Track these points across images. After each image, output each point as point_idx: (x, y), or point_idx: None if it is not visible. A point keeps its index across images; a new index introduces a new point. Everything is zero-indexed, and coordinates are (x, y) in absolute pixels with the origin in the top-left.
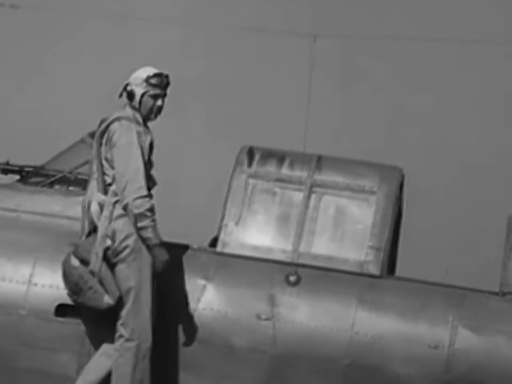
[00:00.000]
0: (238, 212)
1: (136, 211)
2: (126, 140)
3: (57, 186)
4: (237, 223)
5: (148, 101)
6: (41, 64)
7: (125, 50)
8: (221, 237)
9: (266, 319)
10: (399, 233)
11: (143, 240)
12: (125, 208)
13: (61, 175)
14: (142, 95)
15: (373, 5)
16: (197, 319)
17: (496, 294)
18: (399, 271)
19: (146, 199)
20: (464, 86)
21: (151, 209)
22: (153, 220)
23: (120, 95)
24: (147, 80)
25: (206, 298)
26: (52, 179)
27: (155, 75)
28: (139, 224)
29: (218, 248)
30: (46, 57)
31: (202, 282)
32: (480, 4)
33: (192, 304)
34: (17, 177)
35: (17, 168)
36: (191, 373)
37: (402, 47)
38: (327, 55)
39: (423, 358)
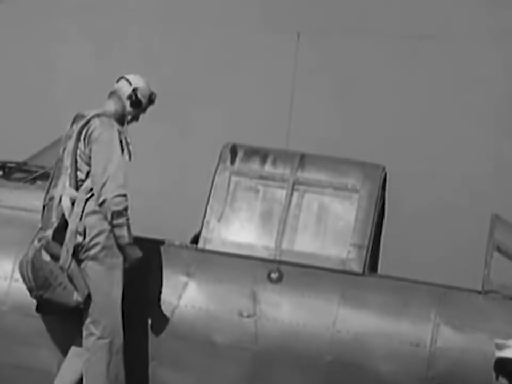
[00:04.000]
0: (220, 208)
1: (114, 208)
2: (108, 136)
3: (39, 182)
4: (219, 220)
5: (139, 114)
6: (24, 60)
7: (106, 47)
8: (203, 233)
9: (248, 316)
10: (382, 231)
11: (117, 238)
12: (101, 204)
13: (43, 171)
14: (143, 108)
15: (358, 1)
16: (178, 316)
17: (479, 292)
18: (381, 269)
19: (125, 197)
20: (452, 84)
21: (127, 208)
22: (128, 219)
23: (129, 97)
24: (150, 97)
25: (188, 295)
26: (35, 175)
27: (155, 95)
28: (115, 222)
29: (200, 245)
30: (29, 52)
31: (184, 279)
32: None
33: (173, 301)
34: (0, 173)
35: (0, 164)
36: (173, 370)
37: (388, 43)
38: (311, 52)
39: (405, 355)
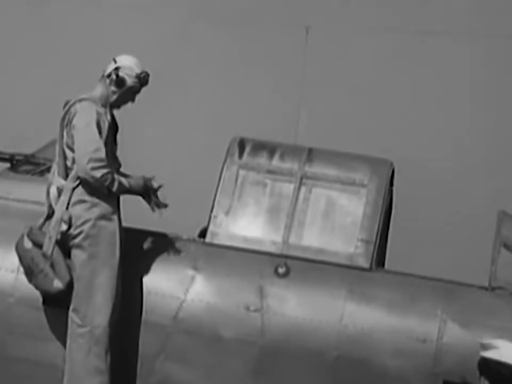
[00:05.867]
0: (228, 203)
1: (94, 175)
2: (85, 121)
3: (47, 175)
4: (226, 214)
5: (129, 95)
6: (30, 51)
7: (114, 39)
8: (211, 227)
9: (255, 311)
10: (389, 226)
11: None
12: (80, 176)
13: (51, 163)
14: (129, 87)
15: None
16: (185, 310)
17: (485, 288)
18: (388, 264)
19: (103, 162)
20: (460, 79)
21: (108, 173)
22: (114, 179)
23: (109, 75)
24: (139, 76)
25: (195, 289)
26: (42, 167)
27: (147, 74)
28: (114, 190)
29: (208, 239)
30: (34, 44)
31: (191, 273)
32: None
33: (181, 295)
34: (8, 165)
35: (7, 156)
36: (180, 364)
37: (395, 38)
38: (320, 46)
39: (411, 351)
